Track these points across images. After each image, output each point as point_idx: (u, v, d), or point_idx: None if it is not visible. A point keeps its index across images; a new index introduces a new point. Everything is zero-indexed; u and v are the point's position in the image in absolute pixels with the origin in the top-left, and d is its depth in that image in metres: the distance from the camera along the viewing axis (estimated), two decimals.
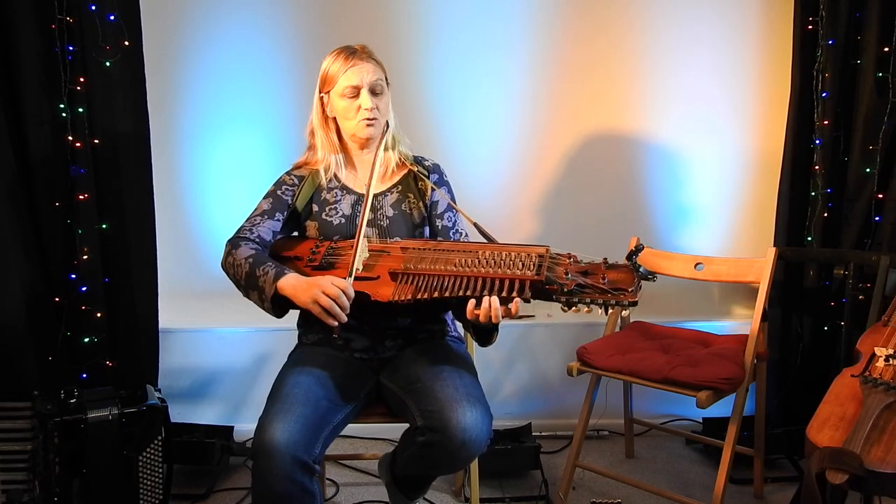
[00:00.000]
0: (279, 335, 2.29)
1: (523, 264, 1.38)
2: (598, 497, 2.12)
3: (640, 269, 1.33)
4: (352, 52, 1.63)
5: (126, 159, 2.17)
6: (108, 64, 2.09)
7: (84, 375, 2.15)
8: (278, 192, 1.68)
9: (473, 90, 2.64)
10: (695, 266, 2.10)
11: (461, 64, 2.61)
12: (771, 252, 1.97)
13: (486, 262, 1.41)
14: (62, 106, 2.06)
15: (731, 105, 2.71)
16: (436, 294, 1.39)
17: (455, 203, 1.71)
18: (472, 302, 1.37)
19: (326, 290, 1.40)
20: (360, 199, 1.67)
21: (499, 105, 2.67)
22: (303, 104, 2.62)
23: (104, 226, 2.16)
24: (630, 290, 1.30)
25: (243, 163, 2.64)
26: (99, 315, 2.15)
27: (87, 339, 2.14)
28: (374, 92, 1.62)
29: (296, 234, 1.73)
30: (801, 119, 2.37)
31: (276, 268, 1.48)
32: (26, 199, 2.04)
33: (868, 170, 2.31)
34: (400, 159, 1.72)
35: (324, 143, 1.69)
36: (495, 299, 1.35)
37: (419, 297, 1.40)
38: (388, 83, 1.68)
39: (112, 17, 2.07)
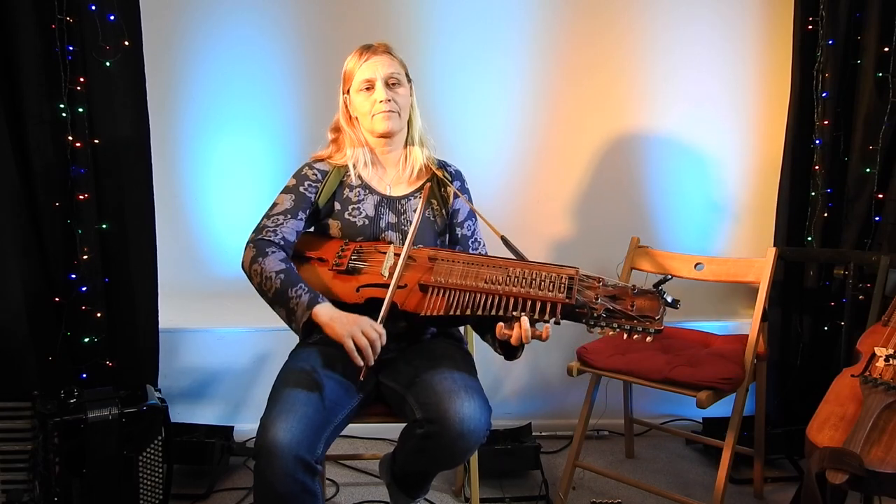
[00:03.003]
0: (279, 335, 2.29)
1: (553, 285, 1.39)
2: (598, 497, 2.12)
3: (667, 298, 1.36)
4: (367, 48, 1.65)
5: (126, 159, 2.16)
6: (108, 64, 2.09)
7: (84, 375, 2.15)
8: (301, 189, 1.64)
9: (473, 90, 2.63)
10: (695, 266, 2.10)
11: (461, 64, 2.61)
12: (771, 252, 1.97)
13: (517, 280, 1.41)
14: (62, 106, 2.05)
15: (731, 105, 2.70)
16: (468, 312, 1.40)
17: (476, 210, 1.70)
18: (500, 325, 1.38)
19: (366, 331, 1.39)
20: (383, 199, 1.66)
21: (499, 105, 2.67)
22: (304, 104, 2.65)
23: (104, 226, 2.16)
24: (656, 317, 1.34)
25: (243, 163, 2.64)
26: (99, 315, 2.15)
27: (87, 339, 2.14)
28: (389, 84, 1.62)
29: (312, 229, 1.71)
30: (801, 119, 2.37)
31: (310, 293, 1.46)
32: (26, 199, 2.03)
33: (868, 170, 2.31)
34: (426, 162, 1.72)
35: (351, 140, 1.69)
36: (525, 320, 1.36)
37: (451, 313, 1.41)
38: (409, 79, 1.69)
39: (112, 17, 2.06)
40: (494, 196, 2.64)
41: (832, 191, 2.38)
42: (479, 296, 1.41)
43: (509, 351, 1.48)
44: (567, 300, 1.36)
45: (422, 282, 1.46)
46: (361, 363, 1.39)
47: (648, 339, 1.35)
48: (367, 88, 1.63)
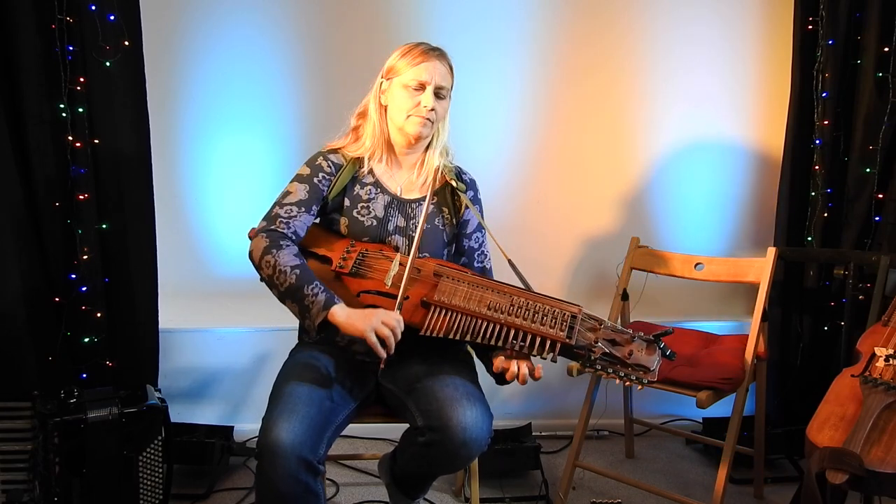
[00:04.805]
0: (279, 335, 2.29)
1: (556, 321, 1.40)
2: (598, 497, 2.12)
3: (665, 351, 1.38)
4: (431, 49, 1.61)
5: (126, 159, 2.16)
6: (108, 64, 2.09)
7: (84, 375, 2.15)
8: (315, 181, 1.60)
9: (473, 90, 2.63)
10: (695, 266, 2.10)
11: (461, 64, 2.59)
12: (771, 252, 1.97)
13: (520, 310, 1.42)
14: (62, 106, 2.05)
15: (731, 105, 2.71)
16: (468, 337, 1.41)
17: (488, 228, 1.69)
18: (500, 358, 1.41)
19: (386, 321, 1.39)
20: (393, 201, 1.63)
21: (499, 105, 2.67)
22: (304, 104, 2.65)
23: (104, 226, 2.16)
24: (651, 368, 1.35)
25: (243, 163, 2.64)
26: (99, 315, 2.15)
27: (87, 339, 2.14)
28: (438, 95, 1.59)
29: (317, 220, 1.66)
30: (801, 119, 2.37)
31: (326, 292, 1.43)
32: (26, 199, 2.03)
33: (868, 170, 2.31)
34: (441, 170, 1.68)
35: (373, 130, 1.64)
36: (524, 366, 1.39)
37: (451, 336, 1.41)
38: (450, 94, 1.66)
39: (112, 17, 2.06)
40: (494, 196, 2.63)
41: (832, 191, 2.38)
42: (480, 322, 1.41)
43: (501, 379, 1.48)
44: (567, 340, 1.38)
45: (425, 299, 1.45)
46: (385, 355, 1.39)
47: (639, 388, 1.36)
48: (417, 88, 1.58)
